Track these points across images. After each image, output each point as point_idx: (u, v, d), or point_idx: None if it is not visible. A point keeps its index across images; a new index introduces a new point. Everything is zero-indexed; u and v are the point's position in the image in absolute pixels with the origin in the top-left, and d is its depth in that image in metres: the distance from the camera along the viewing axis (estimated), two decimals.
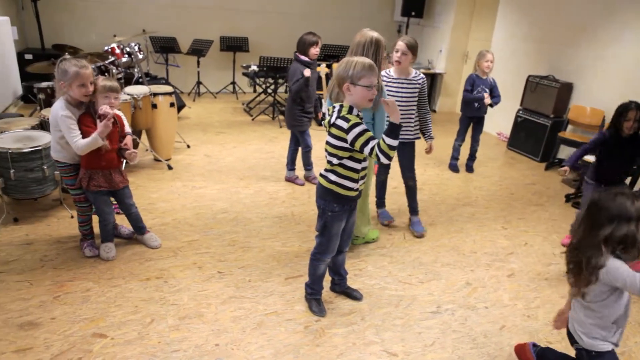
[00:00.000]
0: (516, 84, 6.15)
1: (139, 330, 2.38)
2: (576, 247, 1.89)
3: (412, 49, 3.23)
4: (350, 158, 2.29)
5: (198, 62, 7.48)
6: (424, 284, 3.00)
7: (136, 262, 2.98)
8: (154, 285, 2.76)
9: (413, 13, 7.84)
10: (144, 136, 4.84)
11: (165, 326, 2.43)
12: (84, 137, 2.69)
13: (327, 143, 2.31)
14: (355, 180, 2.34)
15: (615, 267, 1.77)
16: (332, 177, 2.34)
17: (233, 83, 8.04)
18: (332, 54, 7.44)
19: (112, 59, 4.91)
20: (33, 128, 3.58)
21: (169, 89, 4.73)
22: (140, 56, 5.45)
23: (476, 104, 4.85)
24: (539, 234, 3.83)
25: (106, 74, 4.72)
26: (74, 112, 2.71)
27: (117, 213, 3.24)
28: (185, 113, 6.60)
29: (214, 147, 5.32)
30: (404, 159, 3.56)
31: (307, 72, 3.98)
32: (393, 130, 2.14)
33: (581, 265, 1.83)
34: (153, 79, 6.11)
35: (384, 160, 2.17)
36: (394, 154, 2.19)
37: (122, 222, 3.28)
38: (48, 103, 4.14)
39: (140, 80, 5.18)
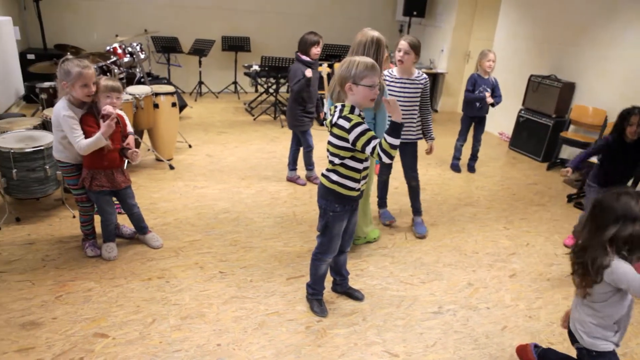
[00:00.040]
0: (518, 83, 6.14)
1: (141, 330, 2.38)
2: (581, 248, 1.88)
3: (415, 48, 3.22)
4: (352, 158, 2.29)
5: (200, 62, 7.48)
6: (426, 284, 3.00)
7: (138, 262, 2.98)
8: (155, 285, 2.76)
9: (415, 12, 7.84)
10: (145, 136, 4.85)
11: (167, 326, 2.43)
12: (86, 137, 2.69)
13: (329, 143, 2.31)
14: (357, 180, 2.33)
15: (620, 269, 1.76)
16: (334, 177, 2.34)
17: (235, 83, 8.05)
18: (333, 54, 7.43)
19: (114, 58, 4.92)
20: (35, 128, 3.59)
21: (170, 88, 4.74)
22: (142, 56, 5.46)
23: (478, 104, 4.84)
24: (541, 234, 3.82)
25: (108, 73, 4.73)
26: (76, 112, 2.72)
27: (119, 213, 3.24)
28: (186, 113, 6.60)
29: (216, 147, 5.32)
30: (407, 159, 3.56)
31: (308, 73, 3.98)
32: (395, 129, 2.14)
33: (587, 267, 1.83)
34: (155, 79, 6.12)
35: (385, 159, 2.17)
36: (396, 153, 2.19)
37: (124, 222, 3.29)
38: (50, 103, 4.15)
39: (142, 80, 5.18)
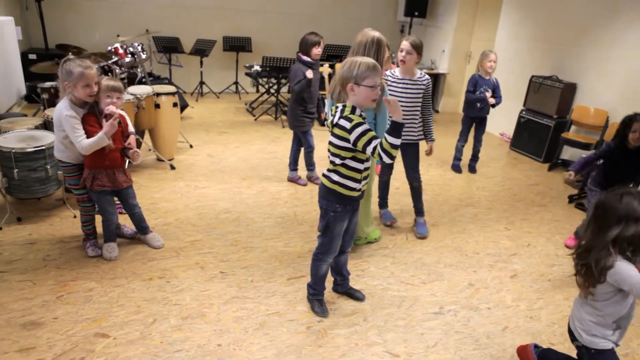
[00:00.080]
0: (519, 84, 6.13)
1: (142, 330, 2.38)
2: (585, 250, 1.88)
3: (417, 48, 3.22)
4: (353, 158, 2.29)
5: (201, 62, 7.49)
6: (427, 284, 2.99)
7: (139, 262, 2.98)
8: (156, 285, 2.76)
9: (416, 13, 7.84)
10: (146, 136, 4.85)
11: (168, 326, 2.43)
12: (88, 137, 2.69)
13: (330, 143, 2.31)
14: (358, 181, 2.33)
15: (624, 270, 1.76)
16: (335, 177, 2.34)
17: (236, 83, 8.05)
18: (334, 54, 7.43)
19: (116, 59, 4.93)
20: (36, 128, 3.59)
21: (172, 89, 4.74)
22: (144, 56, 5.47)
23: (479, 105, 4.84)
24: (542, 234, 3.81)
25: (109, 73, 4.74)
26: (78, 111, 2.72)
27: (120, 213, 3.24)
28: (188, 113, 6.61)
29: (217, 147, 5.32)
30: (409, 160, 3.55)
31: (309, 74, 3.97)
32: (395, 129, 2.14)
33: (590, 268, 1.83)
34: (156, 79, 6.13)
35: (386, 159, 2.17)
36: (397, 153, 2.19)
37: (125, 222, 3.29)
38: (51, 103, 4.16)
39: (144, 80, 5.19)
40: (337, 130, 2.23)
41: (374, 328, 2.54)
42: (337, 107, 2.27)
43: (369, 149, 2.18)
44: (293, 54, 4.67)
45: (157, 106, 4.51)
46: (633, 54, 4.85)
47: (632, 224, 1.74)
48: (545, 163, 5.61)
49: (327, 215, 2.40)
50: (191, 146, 5.26)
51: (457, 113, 7.69)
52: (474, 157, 5.16)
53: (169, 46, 7.21)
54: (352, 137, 2.18)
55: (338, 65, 3.49)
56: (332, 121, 2.28)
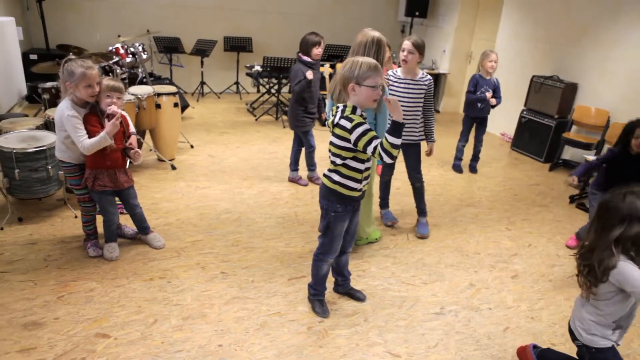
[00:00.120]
0: (520, 84, 6.13)
1: (142, 331, 2.38)
2: (588, 250, 1.88)
3: (419, 48, 3.21)
4: (354, 158, 2.29)
5: (202, 62, 7.49)
6: (428, 285, 2.99)
7: (140, 262, 2.98)
8: (157, 285, 2.76)
9: (417, 13, 7.84)
10: (147, 136, 4.86)
11: (169, 326, 2.43)
12: (89, 137, 2.70)
13: (331, 143, 2.31)
14: (359, 181, 2.33)
15: (628, 271, 1.75)
16: (336, 177, 2.34)
17: (237, 83, 8.05)
18: (335, 54, 7.43)
19: (116, 59, 4.93)
20: (38, 128, 3.60)
21: (172, 89, 4.74)
22: (144, 56, 5.46)
23: (479, 105, 4.84)
24: (543, 235, 3.81)
25: (110, 74, 4.74)
26: (79, 111, 2.72)
27: (121, 213, 3.24)
28: (188, 113, 6.61)
29: (218, 147, 5.32)
30: (410, 160, 3.54)
31: (309, 75, 3.97)
32: (396, 128, 2.14)
33: (593, 268, 1.82)
34: (157, 79, 6.13)
35: (387, 159, 2.17)
36: (397, 153, 2.19)
37: (126, 222, 3.29)
38: (52, 103, 4.16)
39: (144, 80, 5.19)
40: (337, 131, 2.23)
41: (375, 328, 2.54)
42: (337, 107, 2.27)
43: (370, 149, 2.18)
44: (293, 54, 4.67)
45: (158, 106, 4.51)
46: (634, 54, 4.85)
47: (635, 223, 1.74)
48: (546, 163, 5.61)
49: (327, 216, 2.40)
50: (192, 146, 5.26)
51: (458, 113, 7.69)
52: (475, 157, 5.16)
53: (169, 46, 7.21)
54: (353, 137, 2.18)
55: (339, 66, 3.49)
56: (332, 121, 2.28)
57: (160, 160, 4.71)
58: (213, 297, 2.69)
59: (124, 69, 5.06)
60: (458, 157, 5.17)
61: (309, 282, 2.66)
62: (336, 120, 2.25)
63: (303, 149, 4.41)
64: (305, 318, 2.58)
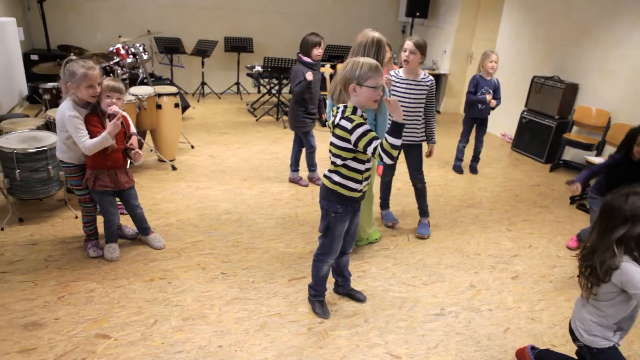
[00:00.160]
0: (521, 84, 6.13)
1: (143, 331, 2.38)
2: (590, 251, 1.88)
3: (421, 48, 3.21)
4: (354, 159, 2.29)
5: (202, 63, 7.49)
6: (428, 285, 2.99)
7: (140, 263, 2.99)
8: (157, 286, 2.76)
9: (417, 13, 7.84)
10: (148, 137, 4.86)
11: (169, 327, 2.43)
12: (91, 137, 2.70)
13: (331, 144, 2.31)
14: (359, 181, 2.33)
15: (632, 272, 1.75)
16: (336, 177, 2.34)
17: (237, 84, 8.05)
18: (336, 55, 7.43)
19: (117, 59, 4.93)
20: (38, 128, 3.60)
21: (173, 89, 4.75)
22: (145, 57, 5.46)
23: (480, 105, 4.84)
24: (544, 236, 3.81)
25: (111, 74, 4.74)
26: (80, 112, 2.73)
27: (122, 214, 3.24)
28: (189, 114, 6.61)
29: (218, 148, 5.33)
30: (412, 161, 3.53)
31: (309, 76, 3.97)
32: (396, 129, 2.14)
33: (595, 269, 1.82)
34: (158, 80, 6.14)
35: (387, 160, 2.17)
36: (397, 154, 2.18)
37: (127, 223, 3.29)
38: (53, 103, 4.16)
39: (145, 80, 5.20)
40: (338, 131, 2.23)
41: (375, 329, 2.54)
42: (338, 108, 2.28)
43: (370, 150, 2.18)
44: (294, 55, 4.67)
45: (159, 107, 4.52)
46: (635, 54, 4.84)
47: (638, 223, 1.74)
48: (547, 164, 5.60)
49: (328, 216, 2.40)
50: (192, 147, 5.26)
51: (459, 114, 7.68)
52: (475, 158, 5.15)
53: (170, 47, 7.22)
54: (353, 137, 2.18)
55: (339, 66, 3.49)
56: (333, 122, 2.28)
57: (160, 160, 4.71)
58: (213, 297, 2.69)
59: (124, 69, 5.06)
60: (459, 158, 5.17)
61: (309, 282, 2.66)
62: (336, 120, 2.25)
63: (304, 150, 4.41)
64: (306, 319, 2.58)
